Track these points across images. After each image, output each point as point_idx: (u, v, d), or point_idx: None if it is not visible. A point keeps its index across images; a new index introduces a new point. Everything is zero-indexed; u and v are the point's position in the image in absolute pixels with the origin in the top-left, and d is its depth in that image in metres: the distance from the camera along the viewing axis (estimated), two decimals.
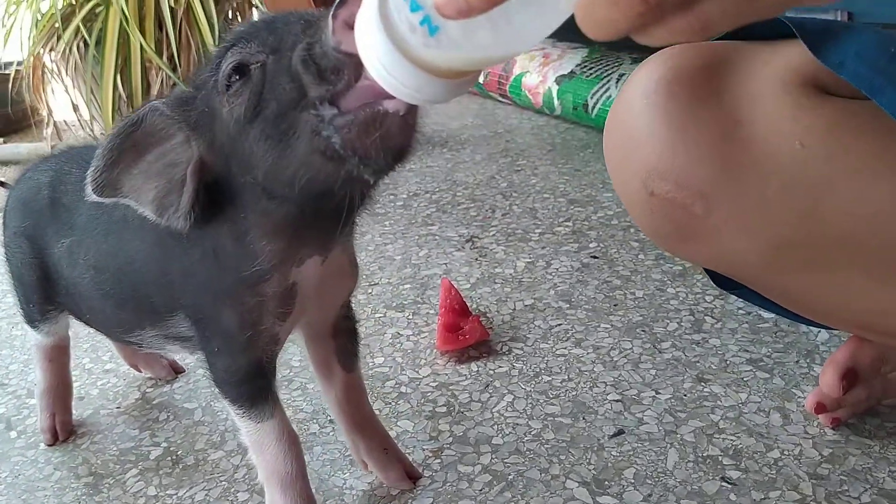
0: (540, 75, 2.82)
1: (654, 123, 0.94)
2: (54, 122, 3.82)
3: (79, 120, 3.91)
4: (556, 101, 2.76)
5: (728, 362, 1.40)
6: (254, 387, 0.99)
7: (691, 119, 0.93)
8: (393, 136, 0.67)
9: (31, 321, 1.31)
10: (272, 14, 0.82)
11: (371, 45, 0.53)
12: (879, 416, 1.22)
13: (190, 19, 3.63)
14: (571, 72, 2.73)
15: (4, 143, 3.97)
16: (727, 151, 0.92)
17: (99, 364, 1.63)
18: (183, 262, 0.95)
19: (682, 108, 0.93)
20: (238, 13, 4.15)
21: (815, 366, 1.37)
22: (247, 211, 0.85)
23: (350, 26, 0.60)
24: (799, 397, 1.29)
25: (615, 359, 1.45)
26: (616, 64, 2.64)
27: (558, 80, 2.75)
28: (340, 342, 1.11)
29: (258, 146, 0.76)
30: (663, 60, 0.99)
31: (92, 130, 3.89)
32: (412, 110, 0.67)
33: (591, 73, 2.67)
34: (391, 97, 0.60)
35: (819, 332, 1.47)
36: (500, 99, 3.07)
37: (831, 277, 0.95)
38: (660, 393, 1.33)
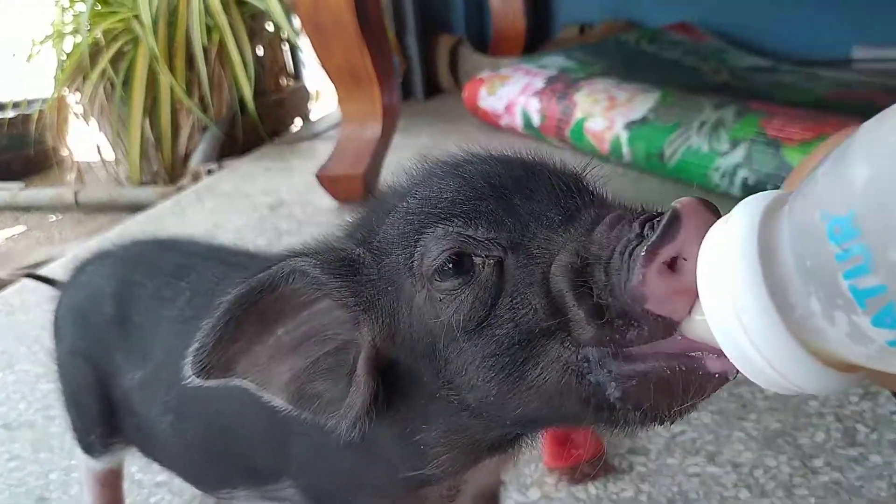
0: (606, 120, 2.62)
1: None
2: (78, 166, 3.65)
3: (103, 162, 3.73)
4: (625, 149, 2.56)
5: None
6: None
7: None
8: (701, 394, 0.50)
9: (90, 451, 1.11)
10: (503, 163, 0.62)
11: (750, 333, 0.42)
12: None
13: (223, 58, 3.46)
14: (644, 117, 2.53)
15: (26, 187, 3.78)
16: None
17: (149, 475, 1.42)
18: (311, 437, 0.74)
19: None
20: (269, 48, 3.99)
21: None
22: (430, 420, 0.65)
23: (672, 269, 0.47)
24: None
25: (761, 480, 1.23)
26: (696, 109, 2.44)
27: (628, 126, 2.55)
28: None
29: (477, 370, 0.57)
30: None
31: (117, 174, 3.72)
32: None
33: (667, 119, 2.46)
34: (710, 350, 0.48)
35: None
36: (557, 143, 2.88)
37: None
38: None
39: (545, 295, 0.53)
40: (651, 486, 1.25)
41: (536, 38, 4.28)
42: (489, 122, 3.27)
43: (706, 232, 0.47)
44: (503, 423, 0.62)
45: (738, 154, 2.24)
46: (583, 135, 2.72)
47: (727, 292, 0.43)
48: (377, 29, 2.51)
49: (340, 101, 2.66)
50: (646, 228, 0.49)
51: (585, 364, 0.52)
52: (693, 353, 0.49)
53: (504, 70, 3.26)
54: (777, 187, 1.95)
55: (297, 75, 4.33)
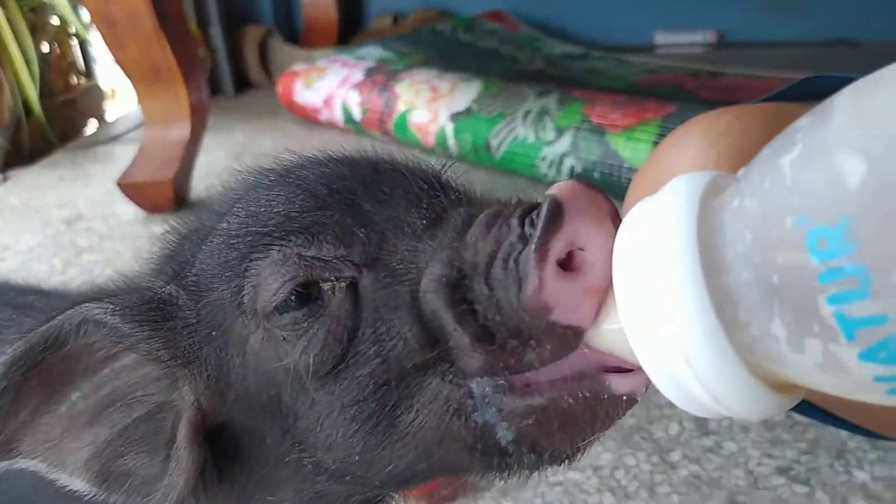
0: (430, 112, 2.54)
1: None
2: None
3: None
4: (451, 141, 2.50)
5: (755, 474, 1.18)
6: None
7: None
8: (608, 423, 0.42)
9: None
10: (345, 164, 0.50)
11: (688, 355, 0.34)
12: None
13: (1, 56, 3.07)
14: (468, 108, 2.47)
15: None
16: None
17: None
18: None
19: None
20: (55, 45, 3.60)
21: (855, 470, 1.18)
22: (278, 490, 0.53)
23: (563, 267, 0.39)
24: None
25: (623, 482, 1.19)
26: (520, 98, 2.40)
27: (453, 118, 2.48)
28: None
29: (336, 424, 0.46)
30: (717, 136, 0.77)
31: None
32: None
33: (491, 110, 2.42)
34: (620, 368, 0.41)
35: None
36: (380, 138, 2.77)
37: None
38: None
39: (416, 319, 0.43)
40: (513, 501, 1.18)
41: (349, 28, 4.16)
42: (307, 118, 3.11)
43: (598, 213, 0.39)
44: (371, 485, 0.51)
45: (565, 142, 2.23)
46: (407, 128, 2.63)
47: (657, 301, 0.34)
48: (177, 20, 2.29)
49: (140, 99, 2.41)
50: (526, 226, 0.40)
51: (470, 401, 0.42)
52: (597, 372, 0.41)
53: (320, 62, 3.11)
54: (604, 174, 1.92)
55: (88, 73, 3.94)
